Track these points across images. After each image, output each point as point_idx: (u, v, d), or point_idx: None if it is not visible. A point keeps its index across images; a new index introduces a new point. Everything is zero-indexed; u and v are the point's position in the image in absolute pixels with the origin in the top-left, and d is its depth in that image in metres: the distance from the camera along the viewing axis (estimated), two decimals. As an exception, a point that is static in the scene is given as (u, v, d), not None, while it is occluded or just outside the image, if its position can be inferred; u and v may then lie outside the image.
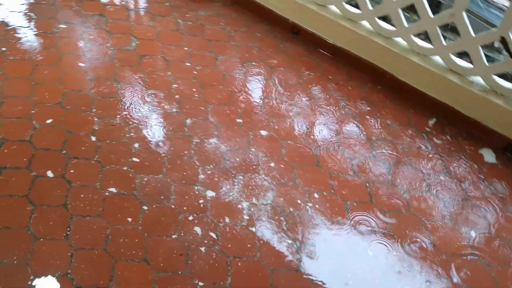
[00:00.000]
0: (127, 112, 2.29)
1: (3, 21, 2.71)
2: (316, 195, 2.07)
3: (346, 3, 2.61)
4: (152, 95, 2.39)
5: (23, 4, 2.84)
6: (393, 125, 2.41)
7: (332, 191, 2.09)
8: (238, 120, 2.32)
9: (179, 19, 2.88)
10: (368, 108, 2.48)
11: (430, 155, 2.29)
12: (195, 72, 2.55)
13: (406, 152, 2.28)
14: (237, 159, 2.15)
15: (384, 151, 2.28)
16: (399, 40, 2.49)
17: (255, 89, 2.50)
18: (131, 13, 2.89)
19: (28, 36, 2.64)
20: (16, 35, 2.63)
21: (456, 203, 2.10)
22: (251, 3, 2.93)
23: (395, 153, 2.27)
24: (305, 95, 2.50)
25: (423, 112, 2.48)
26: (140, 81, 2.45)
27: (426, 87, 2.44)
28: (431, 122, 2.44)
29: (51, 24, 2.73)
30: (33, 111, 2.23)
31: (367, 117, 2.44)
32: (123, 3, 2.96)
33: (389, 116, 2.45)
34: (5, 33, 2.63)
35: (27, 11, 2.80)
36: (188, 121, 2.29)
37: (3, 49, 2.53)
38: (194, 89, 2.45)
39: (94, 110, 2.28)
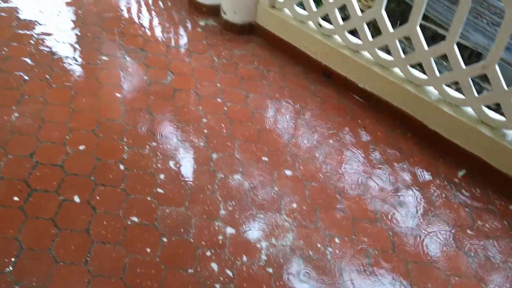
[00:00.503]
0: (156, 143, 2.35)
1: (51, 50, 2.86)
2: (337, 240, 2.04)
3: (379, 49, 2.63)
4: (182, 128, 2.45)
5: (70, 36, 3.01)
6: (420, 174, 2.37)
7: (354, 237, 2.06)
8: (264, 158, 2.34)
9: (215, 57, 2.97)
10: (397, 155, 2.46)
11: (458, 207, 2.23)
12: (225, 108, 2.60)
13: (433, 202, 2.23)
14: (260, 197, 2.16)
15: (410, 199, 2.24)
16: (431, 89, 2.48)
17: (283, 128, 2.53)
18: (170, 49, 3.00)
19: (71, 65, 2.78)
20: (61, 64, 2.77)
21: (483, 260, 2.03)
22: (285, 44, 2.99)
23: (421, 203, 2.23)
24: (333, 138, 2.51)
25: (452, 163, 2.43)
26: (171, 114, 2.52)
27: (456, 137, 2.40)
28: (460, 173, 2.39)
29: (94, 55, 2.87)
30: (67, 137, 2.33)
31: (395, 164, 2.41)
32: (163, 39, 3.08)
33: (417, 165, 2.41)
34: (51, 61, 2.78)
35: (73, 43, 2.95)
36: (214, 155, 2.33)
37: (47, 76, 2.67)
38: (223, 125, 2.50)
39: (125, 139, 2.35)
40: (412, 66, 2.54)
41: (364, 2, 4.81)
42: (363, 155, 2.43)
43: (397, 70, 2.60)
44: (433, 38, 4.75)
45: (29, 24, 3.07)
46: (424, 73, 2.48)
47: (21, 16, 3.13)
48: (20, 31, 3.00)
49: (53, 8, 3.25)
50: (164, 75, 2.79)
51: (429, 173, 2.38)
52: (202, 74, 2.83)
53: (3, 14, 3.14)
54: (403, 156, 2.46)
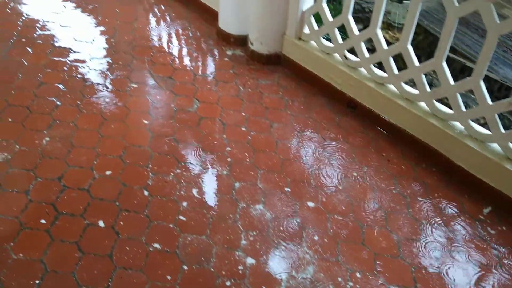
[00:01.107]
0: (180, 171, 2.39)
1: (83, 77, 2.97)
2: (358, 275, 2.01)
3: (404, 83, 2.63)
4: (206, 156, 2.49)
5: (102, 63, 3.11)
6: (445, 210, 2.33)
7: (375, 272, 2.03)
8: (286, 189, 2.35)
9: (240, 86, 3.02)
10: (421, 190, 2.43)
11: (484, 246, 2.18)
12: (249, 137, 2.63)
13: (458, 239, 2.19)
14: (281, 228, 2.16)
15: (434, 236, 2.20)
16: (456, 123, 2.46)
17: (307, 159, 2.54)
18: (197, 77, 3.07)
19: (102, 92, 2.86)
20: (92, 90, 2.87)
21: (509, 301, 1.97)
22: (311, 75, 3.02)
23: (445, 240, 2.19)
24: (357, 170, 2.50)
25: (478, 199, 2.39)
26: (196, 142, 2.56)
27: (482, 173, 2.37)
28: (486, 210, 2.34)
29: (124, 83, 2.95)
30: (95, 162, 2.39)
31: (419, 198, 2.38)
32: (191, 68, 3.16)
33: (441, 200, 2.38)
34: (83, 88, 2.88)
35: (105, 70, 3.05)
36: (237, 184, 2.35)
37: (78, 102, 2.76)
38: (247, 154, 2.53)
39: (150, 165, 2.40)
40: (438, 100, 2.54)
41: (392, 34, 4.84)
42: (387, 189, 2.41)
43: (422, 104, 2.59)
44: (461, 71, 4.72)
45: (64, 52, 3.19)
46: (450, 107, 2.47)
47: (57, 44, 3.26)
48: (55, 58, 3.11)
49: (88, 36, 3.37)
50: (190, 103, 2.85)
51: (454, 209, 2.34)
52: (228, 103, 2.87)
53: (39, 41, 3.28)
54: (428, 191, 2.43)
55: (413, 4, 2.39)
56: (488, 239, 2.21)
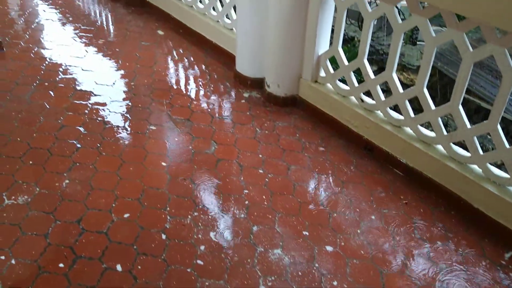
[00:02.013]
0: (197, 214, 2.39)
1: (103, 120, 3.03)
2: (378, 322, 1.97)
3: (421, 126, 2.64)
4: (224, 199, 2.49)
5: (122, 106, 3.18)
6: (465, 255, 2.29)
7: (396, 319, 1.98)
8: (305, 233, 2.33)
9: (257, 128, 3.05)
10: (441, 233, 2.39)
11: (507, 292, 2.12)
12: (267, 180, 2.64)
13: (478, 285, 2.14)
14: (300, 273, 2.13)
15: (454, 280, 2.15)
16: (475, 167, 2.44)
17: (324, 202, 2.53)
18: (214, 119, 3.11)
19: (121, 134, 2.92)
20: (112, 133, 2.92)
21: None
22: (327, 117, 3.05)
23: (466, 284, 2.13)
24: (375, 214, 2.48)
25: (499, 243, 2.34)
26: (214, 184, 2.58)
27: (502, 217, 2.33)
28: (508, 255, 2.29)
29: (143, 125, 3.01)
30: (113, 205, 2.41)
31: (438, 242, 2.34)
32: (209, 110, 3.21)
33: (461, 244, 2.34)
34: (102, 130, 2.93)
35: (124, 113, 3.12)
36: (255, 228, 2.34)
37: (98, 145, 2.81)
38: (264, 196, 2.53)
39: (168, 208, 2.41)
40: (456, 142, 2.53)
41: (406, 75, 4.88)
42: (406, 232, 2.38)
43: (439, 146, 2.58)
44: (476, 111, 4.72)
45: (85, 95, 3.27)
46: (467, 150, 2.46)
47: (78, 87, 3.35)
48: (76, 101, 3.19)
49: (108, 80, 3.46)
50: (208, 145, 2.88)
51: (474, 253, 2.30)
52: (245, 145, 2.90)
53: (61, 85, 3.37)
54: (447, 235, 2.39)
55: (428, 50, 2.43)
56: (510, 284, 2.15)
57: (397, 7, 2.55)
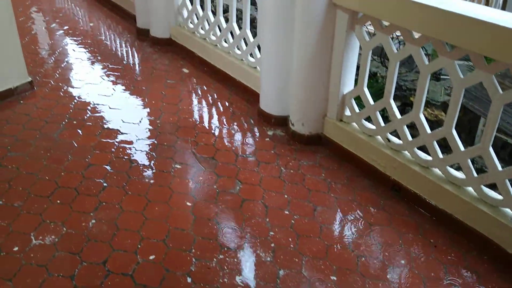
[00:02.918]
0: (223, 256, 2.36)
1: (129, 158, 3.06)
2: None
3: (450, 167, 2.59)
4: (249, 241, 2.46)
5: (148, 144, 3.21)
6: (502, 303, 2.20)
7: None
8: (332, 277, 2.28)
9: (282, 167, 3.04)
10: (473, 279, 2.31)
11: None
12: (293, 221, 2.61)
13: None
14: (327, 320, 2.08)
15: (491, 332, 2.07)
16: (507, 210, 2.37)
17: (352, 245, 2.48)
18: (239, 158, 3.12)
19: (147, 173, 2.93)
20: (138, 172, 2.94)
21: None
22: (353, 157, 3.02)
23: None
24: (404, 258, 2.41)
25: (537, 292, 2.25)
26: (239, 225, 2.55)
27: (540, 264, 2.25)
28: (547, 305, 2.19)
29: (168, 164, 3.03)
30: (139, 246, 2.40)
31: (471, 289, 2.26)
32: (233, 148, 3.22)
33: (497, 292, 2.25)
34: (128, 169, 2.96)
35: (150, 151, 3.15)
36: (281, 272, 2.30)
37: (124, 184, 2.83)
38: (290, 239, 2.49)
39: (193, 250, 2.39)
40: (487, 185, 2.47)
41: (430, 111, 4.84)
42: (437, 278, 2.31)
43: (470, 189, 2.52)
44: (503, 147, 4.63)
45: (112, 133, 3.32)
46: (499, 192, 2.40)
47: (105, 126, 3.41)
48: (103, 140, 3.24)
49: (135, 118, 3.52)
50: (232, 184, 2.87)
51: (511, 302, 2.21)
52: (270, 184, 2.88)
53: (89, 123, 3.43)
54: (480, 281, 2.30)
55: (456, 91, 2.40)
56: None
57: (423, 47, 2.55)
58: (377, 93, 3.41)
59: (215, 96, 3.91)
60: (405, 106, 4.52)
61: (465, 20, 2.19)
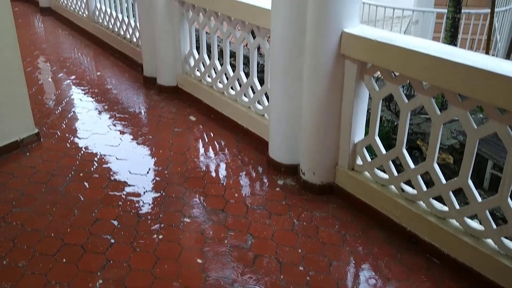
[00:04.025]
0: (237, 318, 2.26)
1: (137, 212, 3.00)
2: None
3: (468, 218, 2.52)
4: (263, 301, 2.37)
5: (156, 196, 3.15)
6: None
7: None
8: None
9: (294, 219, 2.96)
10: None
11: None
12: (308, 278, 2.51)
13: None
14: None
15: None
16: (532, 264, 2.28)
17: (370, 303, 2.38)
18: (249, 209, 3.04)
19: (155, 228, 2.86)
20: (145, 226, 2.87)
21: None
22: (367, 207, 2.95)
23: None
24: (425, 316, 2.31)
25: None
26: (253, 285, 2.46)
27: None
28: None
29: (177, 217, 2.96)
30: (149, 308, 2.30)
31: None
32: (243, 199, 3.15)
33: None
34: (136, 224, 2.89)
35: (158, 204, 3.08)
36: (298, 335, 2.19)
37: (132, 239, 2.75)
38: (306, 297, 2.39)
39: (205, 312, 2.29)
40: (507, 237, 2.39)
41: (438, 155, 4.78)
42: None
43: (489, 241, 2.44)
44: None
45: (119, 185, 3.27)
46: (522, 244, 2.32)
47: (113, 177, 3.36)
48: (110, 193, 3.19)
49: (142, 169, 3.47)
50: (244, 238, 2.79)
51: None
52: (283, 238, 2.80)
53: (96, 175, 3.39)
54: None
55: (470, 142, 2.36)
56: None
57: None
58: (384, 137, 3.35)
59: (223, 144, 3.88)
60: (412, 150, 4.46)
61: (477, 72, 2.17)
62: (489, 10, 6.67)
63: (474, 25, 7.39)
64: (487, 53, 6.51)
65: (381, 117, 5.59)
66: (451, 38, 5.39)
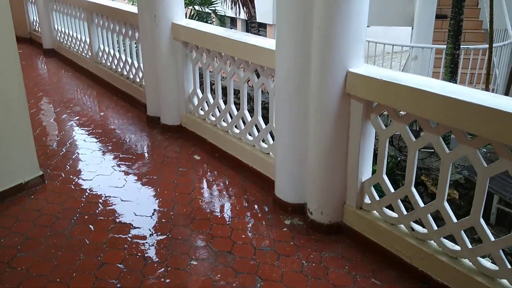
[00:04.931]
0: None
1: (143, 255, 2.95)
2: None
3: (482, 257, 2.48)
4: None
5: (162, 239, 3.11)
6: None
7: None
8: None
9: (303, 260, 2.91)
10: None
11: None
12: (320, 323, 2.45)
13: None
14: None
15: None
16: (551, 306, 2.23)
17: None
18: (257, 251, 3.00)
19: (161, 271, 2.81)
20: (152, 270, 2.81)
21: None
22: (376, 247, 2.91)
23: None
24: None
25: None
26: (263, 330, 2.40)
27: None
28: None
29: (184, 260, 2.91)
30: None
31: None
32: (250, 240, 3.11)
33: None
34: (143, 267, 2.84)
35: (164, 246, 3.04)
36: None
37: (138, 284, 2.69)
38: None
39: None
40: (523, 277, 2.34)
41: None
42: None
43: (504, 281, 2.39)
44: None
45: (125, 228, 3.23)
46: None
47: (118, 220, 3.32)
48: (116, 235, 3.14)
49: (147, 210, 3.44)
50: (253, 281, 2.74)
51: None
52: (292, 280, 2.74)
53: (101, 217, 3.35)
54: None
55: (481, 180, 2.35)
56: None
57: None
58: (388, 173, 3.33)
59: (228, 184, 3.86)
60: (417, 185, 4.44)
61: (485, 110, 2.17)
62: (487, 46, 6.79)
63: (473, 59, 7.50)
64: (487, 87, 6.59)
65: (384, 153, 5.60)
66: (451, 74, 5.45)
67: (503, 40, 8.20)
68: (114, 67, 6.08)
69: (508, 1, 8.79)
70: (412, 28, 10.21)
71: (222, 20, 13.85)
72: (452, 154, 2.46)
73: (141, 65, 5.24)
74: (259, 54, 3.58)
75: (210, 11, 11.45)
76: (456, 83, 5.51)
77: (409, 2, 10.69)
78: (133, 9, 5.21)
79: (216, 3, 11.32)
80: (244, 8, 10.33)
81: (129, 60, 5.65)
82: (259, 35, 11.76)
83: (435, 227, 2.64)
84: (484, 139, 2.29)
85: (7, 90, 3.47)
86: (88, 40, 6.66)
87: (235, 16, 11.38)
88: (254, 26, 10.64)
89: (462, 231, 2.52)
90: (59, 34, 7.76)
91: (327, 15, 2.75)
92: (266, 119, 3.77)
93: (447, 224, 2.56)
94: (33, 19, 8.68)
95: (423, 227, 2.72)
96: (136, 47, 5.47)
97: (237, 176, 3.95)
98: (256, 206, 3.52)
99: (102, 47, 6.33)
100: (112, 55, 6.05)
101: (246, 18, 10.89)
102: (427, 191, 4.83)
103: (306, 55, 2.95)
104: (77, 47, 7.14)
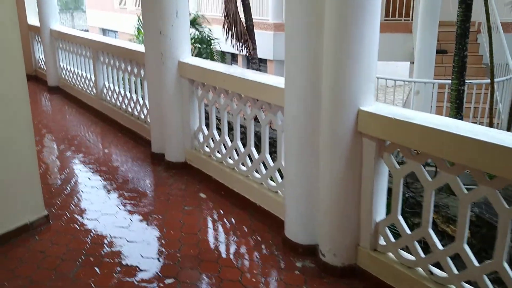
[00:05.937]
0: None
1: (150, 300, 2.84)
2: None
3: (505, 303, 2.38)
4: None
5: (169, 282, 3.00)
6: None
7: None
8: None
9: (316, 302, 2.80)
10: None
11: None
12: None
13: None
14: None
15: None
16: None
17: None
18: (266, 281, 2.90)
19: (170, 318, 2.70)
20: (160, 316, 2.71)
21: None
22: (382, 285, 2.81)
23: None
24: None
25: None
26: None
27: None
28: None
29: (193, 305, 2.80)
30: None
31: None
32: (262, 284, 3.00)
33: None
34: (150, 314, 2.73)
35: (172, 291, 2.93)
36: None
37: (147, 332, 2.58)
38: None
39: None
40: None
41: (453, 228, 4.64)
42: None
43: (530, 328, 2.29)
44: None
45: (131, 270, 3.12)
46: None
47: (124, 262, 3.22)
48: (122, 279, 3.04)
49: (154, 252, 3.34)
50: (265, 328, 2.62)
51: None
52: (305, 326, 2.63)
53: (107, 259, 3.25)
54: None
55: (502, 223, 2.27)
56: None
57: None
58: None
59: (236, 223, 3.77)
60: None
61: (503, 150, 2.12)
62: (489, 81, 6.81)
63: (476, 93, 7.52)
64: (491, 122, 6.57)
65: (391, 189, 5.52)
66: (457, 110, 5.44)
67: (505, 75, 8.24)
68: (119, 104, 6.07)
69: (508, 36, 8.90)
70: (411, 63, 10.31)
71: (222, 57, 14.05)
72: (471, 195, 2.39)
73: (146, 102, 5.23)
74: (267, 91, 3.55)
75: (211, 48, 11.67)
76: (461, 118, 5.50)
77: (409, 37, 10.85)
78: (140, 47, 5.24)
79: (217, 40, 11.58)
80: (245, 45, 10.47)
81: (134, 97, 5.65)
82: (260, 70, 11.91)
83: (456, 271, 2.54)
84: (504, 179, 2.23)
85: (15, 130, 3.43)
86: (93, 77, 6.68)
87: (236, 52, 11.54)
88: (255, 62, 10.77)
89: (485, 276, 2.42)
90: (64, 71, 7.80)
91: (338, 54, 2.73)
92: (271, 155, 3.71)
93: (469, 268, 2.47)
94: (39, 56, 8.76)
95: (442, 270, 2.63)
96: (141, 84, 5.48)
97: (245, 215, 3.87)
98: (265, 247, 3.42)
99: (107, 84, 6.35)
100: (117, 92, 6.06)
101: (247, 55, 11.03)
102: (437, 229, 4.73)
103: (316, 93, 2.93)
104: (82, 85, 7.17)
